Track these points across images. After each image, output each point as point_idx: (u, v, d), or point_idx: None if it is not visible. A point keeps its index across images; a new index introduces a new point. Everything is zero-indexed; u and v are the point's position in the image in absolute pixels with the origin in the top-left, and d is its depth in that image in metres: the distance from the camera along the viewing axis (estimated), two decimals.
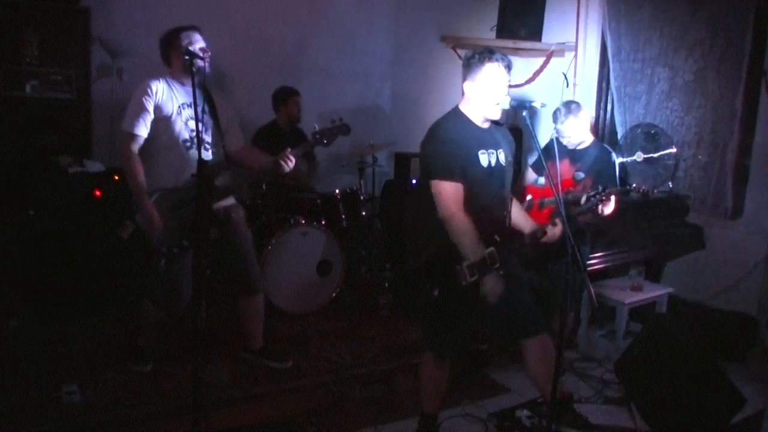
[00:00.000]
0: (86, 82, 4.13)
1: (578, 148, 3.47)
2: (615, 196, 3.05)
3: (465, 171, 2.45)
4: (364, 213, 4.63)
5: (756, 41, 3.97)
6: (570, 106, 3.44)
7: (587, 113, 3.48)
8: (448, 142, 2.47)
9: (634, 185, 2.94)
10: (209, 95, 3.11)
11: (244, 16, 4.81)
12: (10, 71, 3.90)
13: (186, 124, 3.00)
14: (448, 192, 2.42)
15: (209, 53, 2.97)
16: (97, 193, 3.81)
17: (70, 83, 4.04)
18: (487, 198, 2.53)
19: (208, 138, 3.09)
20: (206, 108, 3.08)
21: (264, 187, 4.21)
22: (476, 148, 2.50)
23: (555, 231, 2.69)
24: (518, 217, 2.74)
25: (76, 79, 4.06)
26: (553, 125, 3.48)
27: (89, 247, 3.76)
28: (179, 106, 2.99)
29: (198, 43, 2.98)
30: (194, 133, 3.00)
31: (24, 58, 3.93)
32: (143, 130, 2.93)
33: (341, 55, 5.27)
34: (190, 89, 3.01)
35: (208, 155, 3.04)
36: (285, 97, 4.62)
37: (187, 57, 2.64)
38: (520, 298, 2.61)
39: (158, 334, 3.32)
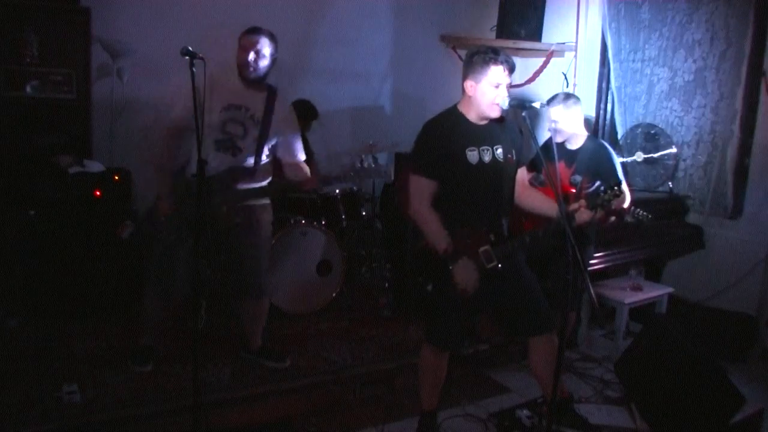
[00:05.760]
0: (86, 82, 4.12)
1: (573, 147, 3.43)
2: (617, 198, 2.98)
3: (445, 168, 2.51)
4: (364, 213, 4.62)
5: (756, 41, 3.98)
6: (568, 97, 3.42)
7: (580, 110, 3.43)
8: (432, 141, 2.56)
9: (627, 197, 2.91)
10: (272, 102, 3.00)
11: (243, 15, 4.79)
12: (10, 71, 3.89)
13: (224, 125, 2.93)
14: (421, 188, 2.54)
15: (255, 64, 2.90)
16: (97, 193, 3.81)
17: (70, 83, 4.04)
18: (477, 194, 2.55)
19: (243, 144, 2.99)
20: (255, 115, 2.98)
21: None
22: (464, 145, 2.53)
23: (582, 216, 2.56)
24: (543, 205, 2.67)
25: (76, 79, 4.05)
26: (546, 107, 3.43)
27: (89, 247, 3.76)
28: (226, 106, 2.92)
29: (255, 50, 2.90)
30: (228, 137, 2.95)
31: (24, 58, 3.92)
32: (181, 119, 2.85)
33: (341, 55, 5.26)
34: (250, 92, 2.96)
35: (233, 160, 2.98)
36: (302, 116, 4.33)
37: (187, 57, 2.61)
38: (532, 294, 2.63)
39: (159, 333, 3.32)
